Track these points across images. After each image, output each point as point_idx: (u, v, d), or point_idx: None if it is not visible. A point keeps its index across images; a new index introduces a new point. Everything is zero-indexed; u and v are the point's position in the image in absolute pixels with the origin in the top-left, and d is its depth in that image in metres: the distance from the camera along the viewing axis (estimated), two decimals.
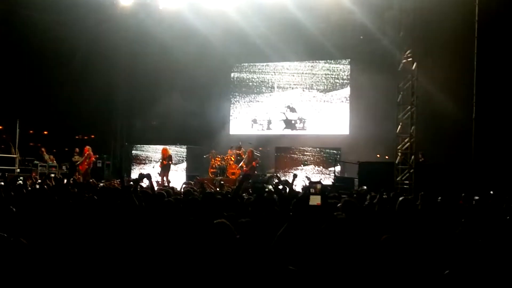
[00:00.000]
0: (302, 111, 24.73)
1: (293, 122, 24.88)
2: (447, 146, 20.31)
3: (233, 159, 22.19)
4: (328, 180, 20.34)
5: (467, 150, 19.22)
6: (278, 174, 20.40)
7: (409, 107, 20.06)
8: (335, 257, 5.63)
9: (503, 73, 19.38)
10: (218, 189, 13.24)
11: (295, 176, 8.92)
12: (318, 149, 22.33)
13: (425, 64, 20.62)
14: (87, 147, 22.22)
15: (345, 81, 24.11)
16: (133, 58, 24.89)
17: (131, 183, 8.41)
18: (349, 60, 23.99)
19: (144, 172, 9.50)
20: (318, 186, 6.10)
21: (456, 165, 18.65)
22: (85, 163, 21.91)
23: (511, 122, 19.01)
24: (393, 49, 20.93)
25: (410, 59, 19.89)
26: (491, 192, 12.86)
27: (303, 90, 24.82)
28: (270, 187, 10.41)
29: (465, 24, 19.82)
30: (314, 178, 17.04)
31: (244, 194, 10.78)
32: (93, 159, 22.17)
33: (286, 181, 8.55)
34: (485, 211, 8.78)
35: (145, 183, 11.04)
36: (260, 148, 23.47)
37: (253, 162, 21.79)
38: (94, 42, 23.81)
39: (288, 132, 24.78)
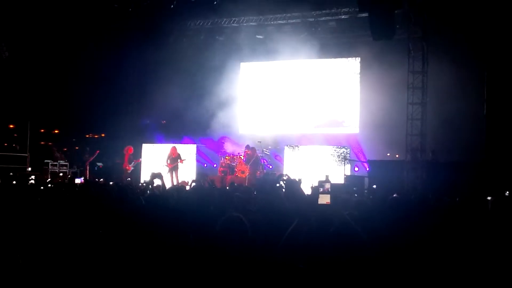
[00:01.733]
0: (311, 110, 24.64)
1: (302, 120, 24.79)
2: (458, 144, 20.20)
3: (242, 158, 22.19)
4: (337, 179, 20.22)
5: (479, 148, 19.15)
6: (287, 173, 20.37)
7: (419, 105, 20.01)
8: (344, 256, 5.56)
9: None
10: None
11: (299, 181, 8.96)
12: (327, 147, 22.27)
13: (436, 61, 20.55)
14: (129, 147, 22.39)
15: (355, 79, 24.01)
16: (142, 57, 24.88)
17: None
18: (359, 57, 23.87)
19: (155, 171, 9.51)
20: (327, 185, 6.06)
21: (468, 163, 18.53)
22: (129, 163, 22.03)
23: None
24: (404, 46, 20.89)
25: (421, 56, 19.87)
26: (507, 193, 12.74)
27: (313, 88, 24.73)
28: (282, 182, 10.47)
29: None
30: (323, 177, 16.99)
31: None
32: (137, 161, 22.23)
33: (294, 179, 8.63)
34: (498, 211, 8.70)
35: (156, 182, 11.07)
36: (270, 147, 23.45)
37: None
38: (104, 41, 23.91)
39: (297, 130, 24.68)
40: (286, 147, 22.81)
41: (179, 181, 21.49)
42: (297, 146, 22.75)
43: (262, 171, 22.09)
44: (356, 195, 10.82)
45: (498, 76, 19.52)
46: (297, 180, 9.16)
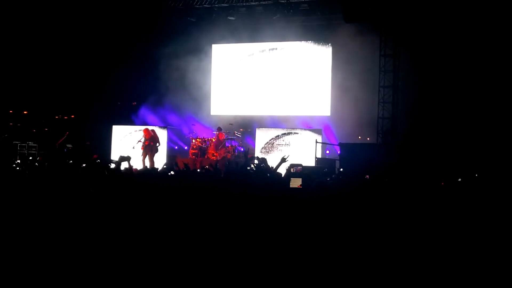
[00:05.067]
0: (283, 92, 24.60)
1: (274, 102, 24.73)
2: (428, 127, 20.33)
3: (213, 141, 22.12)
4: (309, 162, 20.25)
5: (449, 131, 19.31)
6: (258, 156, 20.35)
7: (391, 88, 20.09)
8: None
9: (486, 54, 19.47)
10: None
11: (283, 160, 9.00)
12: (299, 130, 22.28)
13: (407, 45, 20.65)
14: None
15: (327, 61, 23.99)
16: (112, 38, 24.57)
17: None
18: (331, 40, 23.84)
19: (124, 155, 9.39)
20: (299, 168, 6.06)
21: (437, 146, 18.67)
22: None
23: (492, 105, 19.14)
24: (376, 29, 20.94)
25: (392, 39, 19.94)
26: (476, 175, 12.87)
27: (285, 70, 24.68)
28: (252, 166, 10.49)
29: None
30: (295, 160, 17.04)
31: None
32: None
33: (264, 159, 8.69)
34: (468, 192, 8.80)
35: (124, 165, 10.96)
36: (241, 129, 23.38)
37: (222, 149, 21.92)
38: (76, 22, 23.59)
39: (269, 113, 24.63)
40: (257, 130, 22.78)
41: (152, 163, 21.34)
42: (268, 128, 22.76)
43: (234, 153, 22.06)
44: (328, 178, 10.90)
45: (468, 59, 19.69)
46: (270, 166, 9.18)
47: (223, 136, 22.23)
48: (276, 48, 24.91)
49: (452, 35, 19.89)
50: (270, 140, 22.38)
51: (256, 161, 9.26)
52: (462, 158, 16.85)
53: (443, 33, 20.12)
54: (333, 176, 13.79)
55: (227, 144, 22.23)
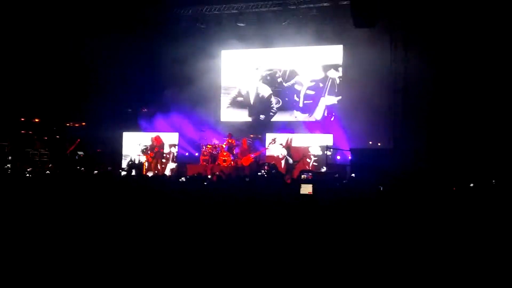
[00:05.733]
0: (293, 97, 24.56)
1: (284, 108, 24.70)
2: (440, 132, 20.22)
3: (224, 147, 22.11)
4: (319, 167, 20.20)
5: (461, 135, 19.21)
6: (269, 163, 20.30)
7: (402, 93, 20.03)
8: None
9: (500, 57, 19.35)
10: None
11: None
12: (309, 135, 22.22)
13: (419, 48, 20.59)
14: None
15: (337, 66, 23.92)
16: (122, 46, 24.62)
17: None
18: (341, 45, 23.77)
19: (134, 162, 9.43)
20: (310, 175, 6.06)
21: (450, 151, 18.57)
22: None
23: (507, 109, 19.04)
24: (387, 34, 20.89)
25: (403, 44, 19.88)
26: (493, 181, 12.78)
27: (295, 75, 24.63)
28: (263, 171, 10.57)
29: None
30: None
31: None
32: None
33: (274, 165, 8.76)
34: (480, 198, 8.76)
35: (134, 172, 11.01)
36: (251, 135, 23.36)
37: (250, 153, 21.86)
38: (86, 30, 23.65)
39: (279, 118, 24.60)
40: (267, 135, 22.75)
41: (163, 169, 21.41)
42: (278, 134, 22.73)
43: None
44: (338, 183, 10.89)
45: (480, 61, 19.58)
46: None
47: (246, 142, 22.22)
48: (286, 53, 24.85)
49: (464, 40, 19.79)
50: (280, 145, 22.35)
51: (267, 167, 9.29)
52: (475, 163, 16.74)
53: (455, 38, 20.02)
54: (344, 181, 13.73)
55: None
